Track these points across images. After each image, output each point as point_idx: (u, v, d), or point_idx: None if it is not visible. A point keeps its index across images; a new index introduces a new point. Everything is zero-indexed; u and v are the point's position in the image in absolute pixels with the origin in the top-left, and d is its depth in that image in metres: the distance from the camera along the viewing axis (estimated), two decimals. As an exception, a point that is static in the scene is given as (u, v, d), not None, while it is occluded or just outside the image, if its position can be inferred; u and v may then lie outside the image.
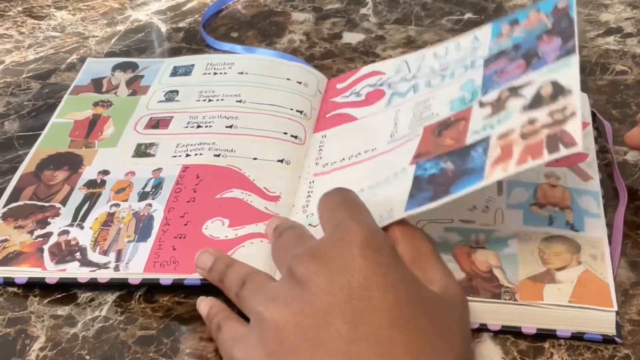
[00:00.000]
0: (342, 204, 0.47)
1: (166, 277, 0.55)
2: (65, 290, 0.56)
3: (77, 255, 0.57)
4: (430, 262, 0.47)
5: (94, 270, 0.55)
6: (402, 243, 0.47)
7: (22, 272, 0.56)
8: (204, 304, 0.52)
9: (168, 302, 0.55)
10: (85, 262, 0.56)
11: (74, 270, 0.56)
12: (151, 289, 0.56)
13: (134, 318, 0.54)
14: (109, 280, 0.55)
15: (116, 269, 0.55)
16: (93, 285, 0.56)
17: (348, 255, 0.43)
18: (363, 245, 0.43)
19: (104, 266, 0.56)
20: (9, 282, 0.56)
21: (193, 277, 0.54)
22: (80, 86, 0.74)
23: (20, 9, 0.89)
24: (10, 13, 0.88)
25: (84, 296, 0.55)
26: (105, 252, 0.57)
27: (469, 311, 0.47)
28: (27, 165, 0.65)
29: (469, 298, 0.51)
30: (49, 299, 0.55)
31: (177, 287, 0.55)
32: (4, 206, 0.61)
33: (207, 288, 0.54)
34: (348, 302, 0.41)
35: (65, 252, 0.57)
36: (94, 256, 0.56)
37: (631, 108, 0.70)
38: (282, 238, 0.52)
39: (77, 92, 0.73)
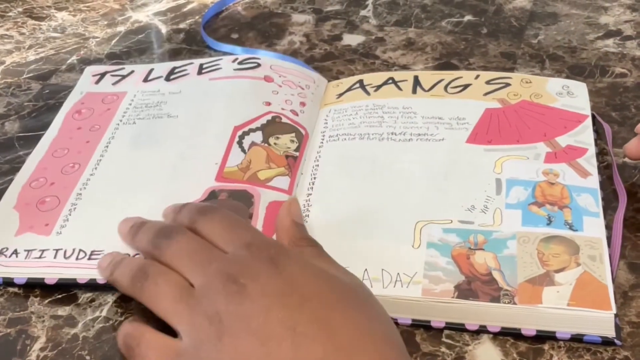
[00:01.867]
0: (231, 224, 0.50)
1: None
2: (66, 291, 0.56)
3: None
4: (322, 258, 0.50)
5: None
6: (294, 248, 0.51)
7: (22, 274, 0.56)
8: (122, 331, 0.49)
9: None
10: None
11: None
12: (151, 289, 0.56)
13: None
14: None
15: None
16: (93, 286, 0.56)
17: (269, 265, 0.46)
18: (278, 254, 0.46)
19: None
20: (8, 282, 0.56)
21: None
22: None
23: (20, 9, 0.89)
24: (10, 14, 0.88)
25: (84, 296, 0.55)
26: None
27: (370, 292, 0.48)
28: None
29: (469, 301, 0.52)
30: (50, 299, 0.55)
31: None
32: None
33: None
34: (282, 303, 0.43)
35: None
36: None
37: (630, 110, 0.71)
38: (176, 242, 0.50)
39: None
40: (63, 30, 0.86)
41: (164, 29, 0.86)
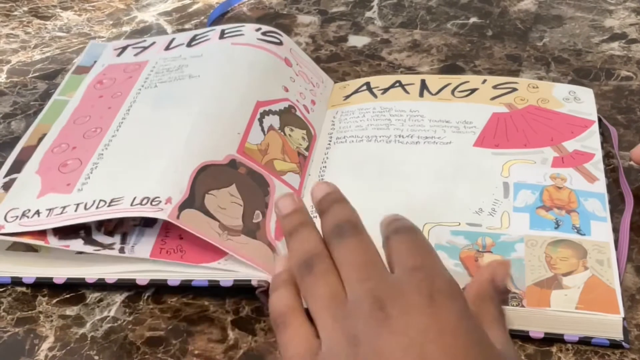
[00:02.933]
0: (416, 246, 0.46)
1: (173, 278, 0.55)
2: (74, 291, 0.56)
3: (82, 233, 0.57)
4: (494, 323, 0.46)
5: (99, 250, 0.55)
6: (474, 302, 0.46)
7: (30, 272, 0.56)
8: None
9: (176, 303, 0.55)
10: (89, 241, 0.56)
11: (78, 247, 0.56)
12: (159, 289, 0.56)
13: (143, 319, 0.54)
14: (116, 281, 0.55)
15: (121, 250, 0.55)
16: (101, 286, 0.56)
17: (426, 300, 0.42)
18: (442, 292, 0.42)
19: (109, 247, 0.56)
20: (17, 281, 0.56)
21: (200, 278, 0.55)
22: (82, 67, 0.76)
23: (26, 9, 0.89)
24: (16, 13, 0.88)
25: (92, 296, 0.56)
26: (110, 233, 0.57)
27: None
28: (28, 139, 0.66)
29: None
30: (58, 299, 0.55)
31: (185, 288, 0.55)
32: (5, 176, 0.62)
33: (215, 289, 0.54)
34: (423, 344, 0.41)
35: (68, 228, 0.56)
36: (98, 236, 0.56)
37: (636, 114, 0.71)
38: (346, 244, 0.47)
39: (79, 72, 0.75)
40: (68, 29, 0.86)
41: (169, 29, 0.86)
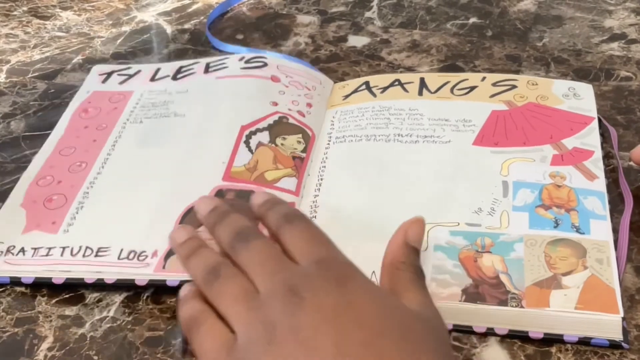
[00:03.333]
0: (313, 237, 0.50)
1: (173, 279, 0.55)
2: (73, 291, 0.56)
3: None
4: (409, 286, 0.49)
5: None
6: (389, 270, 0.50)
7: (29, 272, 0.56)
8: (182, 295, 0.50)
9: (175, 303, 0.55)
10: None
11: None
12: (158, 290, 0.56)
13: (142, 319, 0.54)
14: (116, 281, 0.55)
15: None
16: (100, 286, 0.56)
17: (334, 283, 0.46)
18: (347, 275, 0.46)
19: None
20: (16, 281, 0.56)
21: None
22: None
23: (25, 8, 0.89)
24: (15, 13, 0.88)
25: (91, 296, 0.56)
26: None
27: (446, 330, 0.48)
28: None
29: (476, 304, 0.52)
30: (57, 299, 0.55)
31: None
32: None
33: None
34: (336, 318, 0.44)
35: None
36: None
37: (635, 114, 0.71)
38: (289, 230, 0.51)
39: None
40: (68, 29, 0.85)
41: (168, 29, 0.86)
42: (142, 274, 0.55)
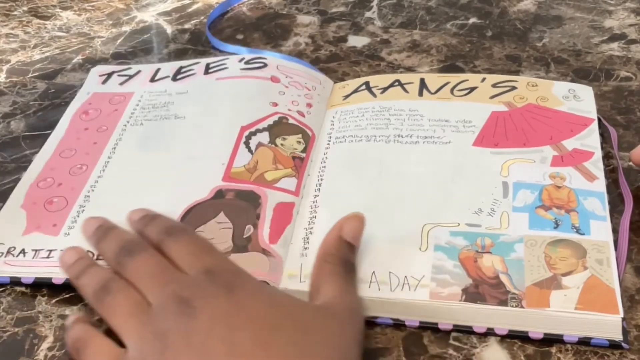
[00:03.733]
0: (198, 247, 0.51)
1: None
2: (73, 290, 0.55)
3: None
4: (329, 278, 0.51)
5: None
6: (319, 262, 0.52)
7: (29, 274, 0.56)
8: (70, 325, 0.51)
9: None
10: None
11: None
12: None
13: (142, 319, 0.54)
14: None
15: None
16: (100, 286, 0.56)
17: (224, 290, 0.47)
18: (237, 284, 0.48)
19: None
20: (16, 281, 0.56)
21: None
22: None
23: (25, 8, 0.89)
24: (15, 13, 0.88)
25: (91, 296, 0.56)
26: None
27: (357, 323, 0.49)
28: None
29: (476, 305, 0.52)
30: (57, 298, 0.55)
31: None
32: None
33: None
34: (228, 322, 0.45)
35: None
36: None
37: (635, 114, 0.71)
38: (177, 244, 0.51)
39: None
40: (68, 29, 0.86)
41: (169, 29, 0.86)
42: None
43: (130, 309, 0.47)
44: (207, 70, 0.74)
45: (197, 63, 0.76)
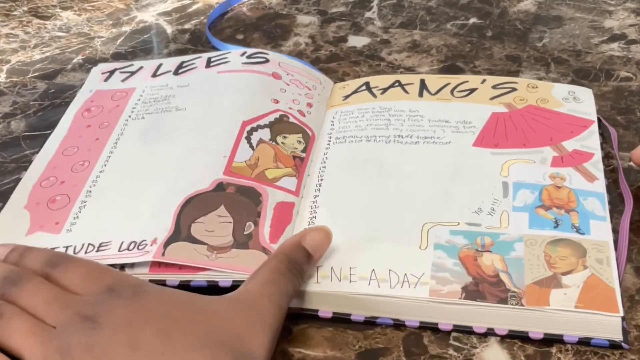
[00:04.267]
0: (88, 271, 0.51)
1: (173, 279, 0.55)
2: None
3: None
4: (260, 270, 0.52)
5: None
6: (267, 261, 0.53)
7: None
8: None
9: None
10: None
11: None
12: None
13: (142, 318, 0.54)
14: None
15: (122, 268, 0.56)
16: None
17: (128, 300, 0.48)
18: (138, 292, 0.49)
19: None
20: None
21: (199, 279, 0.54)
22: None
23: (25, 8, 0.89)
24: (15, 13, 0.88)
25: (91, 296, 0.55)
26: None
27: (264, 314, 0.49)
28: None
29: (476, 302, 0.52)
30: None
31: (184, 289, 0.55)
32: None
33: (214, 289, 0.54)
34: (130, 328, 0.46)
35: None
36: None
37: (635, 114, 0.71)
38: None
39: None
40: (68, 29, 0.86)
41: (169, 29, 0.86)
42: (142, 261, 0.55)
43: (29, 328, 0.47)
44: (209, 64, 0.74)
45: (199, 57, 0.76)
